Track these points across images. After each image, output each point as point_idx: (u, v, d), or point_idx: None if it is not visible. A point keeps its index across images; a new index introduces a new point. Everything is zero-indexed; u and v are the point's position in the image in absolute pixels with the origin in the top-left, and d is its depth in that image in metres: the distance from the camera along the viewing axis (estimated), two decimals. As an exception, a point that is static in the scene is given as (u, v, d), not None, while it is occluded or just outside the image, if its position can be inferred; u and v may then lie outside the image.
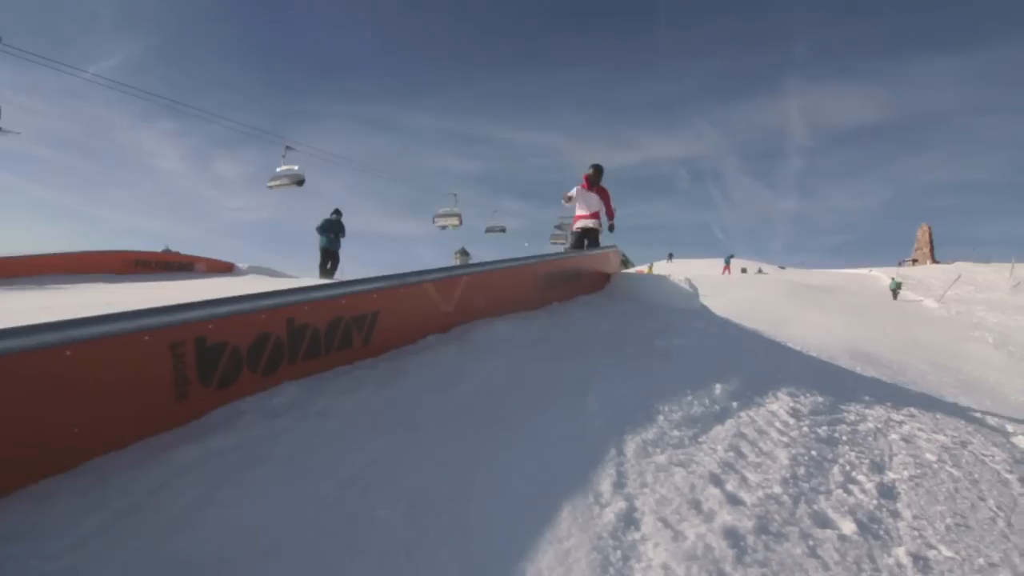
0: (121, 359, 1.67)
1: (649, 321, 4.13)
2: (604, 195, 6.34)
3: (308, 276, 10.35)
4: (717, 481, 1.64)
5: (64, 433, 1.55)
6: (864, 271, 28.99)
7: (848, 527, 1.50)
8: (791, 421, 2.25)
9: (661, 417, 2.06)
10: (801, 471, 1.80)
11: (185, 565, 1.19)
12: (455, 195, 16.54)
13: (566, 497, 1.46)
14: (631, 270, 14.83)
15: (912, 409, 2.90)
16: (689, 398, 2.29)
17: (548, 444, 1.79)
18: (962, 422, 2.96)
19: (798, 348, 5.24)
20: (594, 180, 6.28)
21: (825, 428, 2.25)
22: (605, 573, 1.19)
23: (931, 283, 19.46)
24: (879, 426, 2.42)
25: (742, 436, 2.01)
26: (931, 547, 1.48)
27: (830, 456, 1.97)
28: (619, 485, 1.55)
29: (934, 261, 38.62)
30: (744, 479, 1.68)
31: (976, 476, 2.06)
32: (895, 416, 2.65)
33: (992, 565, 1.44)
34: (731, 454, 1.84)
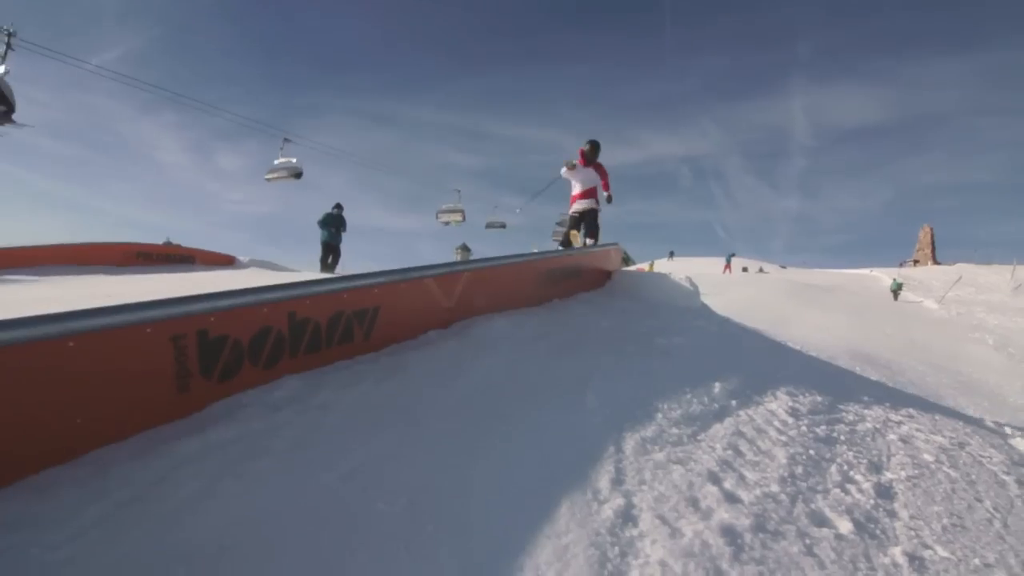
0: (123, 351, 1.68)
1: (649, 319, 4.13)
2: (601, 171, 6.10)
3: (309, 270, 10.36)
4: (715, 479, 1.65)
5: (66, 424, 1.56)
6: (865, 271, 28.92)
7: (845, 526, 1.50)
8: (790, 420, 2.25)
9: (660, 415, 2.07)
10: (799, 470, 1.80)
11: (186, 556, 1.20)
12: (459, 191, 16.53)
13: (565, 493, 1.47)
14: (632, 268, 14.83)
15: (911, 410, 2.90)
16: (688, 396, 2.29)
17: (547, 440, 1.80)
18: (960, 423, 2.96)
19: (798, 348, 5.25)
20: (591, 156, 6.06)
21: (824, 428, 2.25)
22: (603, 569, 1.20)
23: (932, 284, 19.43)
24: (877, 426, 2.43)
25: (741, 435, 2.01)
26: (927, 547, 1.48)
27: (828, 455, 1.98)
28: (618, 482, 1.56)
29: (935, 262, 38.51)
30: (742, 477, 1.69)
31: (973, 477, 2.06)
32: (894, 416, 2.65)
33: (988, 566, 1.45)
34: (729, 452, 1.85)
